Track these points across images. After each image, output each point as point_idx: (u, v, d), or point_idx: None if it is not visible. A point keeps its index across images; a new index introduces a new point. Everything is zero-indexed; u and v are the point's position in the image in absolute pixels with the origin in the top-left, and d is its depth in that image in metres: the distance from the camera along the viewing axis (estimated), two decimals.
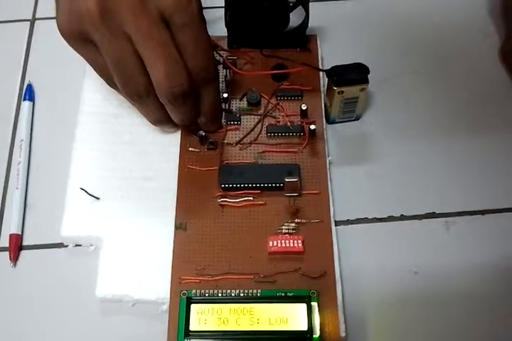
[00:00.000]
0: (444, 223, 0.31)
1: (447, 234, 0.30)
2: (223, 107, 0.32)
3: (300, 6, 0.33)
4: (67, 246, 0.30)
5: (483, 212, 0.31)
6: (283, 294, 0.27)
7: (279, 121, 0.32)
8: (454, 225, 0.31)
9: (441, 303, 0.29)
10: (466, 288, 0.29)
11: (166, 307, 0.28)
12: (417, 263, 0.29)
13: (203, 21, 0.28)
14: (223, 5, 0.33)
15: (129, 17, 0.26)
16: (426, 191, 0.32)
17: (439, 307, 0.29)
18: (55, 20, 0.28)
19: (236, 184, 0.30)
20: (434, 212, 0.31)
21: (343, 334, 0.27)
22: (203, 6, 0.28)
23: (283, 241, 0.29)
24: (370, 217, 0.31)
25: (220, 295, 0.27)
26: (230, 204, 0.30)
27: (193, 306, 0.27)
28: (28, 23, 0.38)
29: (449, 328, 0.28)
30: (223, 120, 0.32)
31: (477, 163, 0.32)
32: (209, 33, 0.29)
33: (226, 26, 0.34)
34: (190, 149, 0.32)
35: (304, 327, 0.26)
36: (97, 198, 0.31)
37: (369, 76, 0.31)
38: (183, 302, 0.27)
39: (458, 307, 0.29)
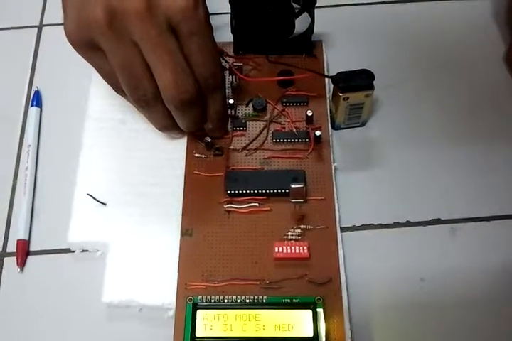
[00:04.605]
0: (449, 229, 0.31)
1: (453, 240, 0.30)
2: (229, 113, 0.33)
3: (305, 13, 0.33)
4: (73, 251, 0.31)
5: (488, 219, 0.31)
6: (289, 300, 0.27)
7: (284, 127, 0.33)
8: (459, 231, 0.31)
9: (447, 310, 0.29)
10: (471, 294, 0.29)
11: (172, 312, 0.28)
12: (423, 270, 0.29)
13: (210, 29, 0.28)
14: (229, 11, 0.33)
15: (136, 25, 0.26)
16: (431, 197, 0.32)
17: (444, 314, 0.29)
18: (62, 26, 0.28)
19: (242, 190, 0.30)
20: (439, 219, 0.31)
21: (348, 340, 0.27)
22: (209, 12, 0.28)
23: (288, 248, 0.29)
24: (375, 223, 0.31)
25: (225, 301, 0.28)
26: (235, 210, 0.30)
27: (199, 312, 0.27)
28: (36, 29, 0.39)
29: (455, 335, 0.28)
30: (229, 126, 0.33)
31: (483, 169, 0.32)
32: (215, 39, 0.29)
33: (232, 32, 0.34)
34: (196, 155, 0.32)
35: (310, 334, 0.27)
36: (104, 204, 0.31)
37: (374, 82, 0.31)
38: (189, 308, 0.27)
39: (464, 313, 0.28)
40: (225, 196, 0.30)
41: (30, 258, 0.31)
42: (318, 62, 0.35)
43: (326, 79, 0.34)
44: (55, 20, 0.38)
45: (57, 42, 0.35)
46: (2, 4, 0.40)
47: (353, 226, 0.31)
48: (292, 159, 0.32)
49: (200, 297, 0.28)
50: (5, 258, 0.31)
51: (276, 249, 0.29)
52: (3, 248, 0.31)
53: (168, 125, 0.31)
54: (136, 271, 0.29)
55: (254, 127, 0.33)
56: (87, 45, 0.27)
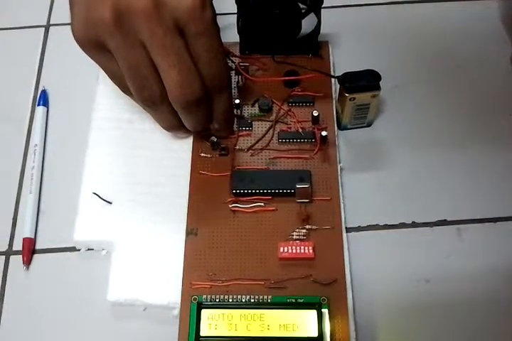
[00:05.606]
0: (455, 230, 0.31)
1: (459, 241, 0.30)
2: (235, 113, 0.33)
3: (312, 13, 0.33)
4: (79, 250, 0.31)
5: (494, 220, 0.31)
6: (293, 300, 0.27)
7: (290, 127, 0.33)
8: (465, 232, 0.31)
9: (453, 311, 0.28)
10: (477, 295, 0.29)
11: (177, 311, 0.28)
12: (428, 271, 0.29)
13: (216, 30, 0.28)
14: (236, 11, 0.33)
15: (143, 25, 0.26)
16: (437, 198, 0.31)
17: (450, 315, 0.28)
18: (69, 26, 0.28)
19: (247, 190, 0.30)
20: (445, 220, 0.31)
21: None
22: (216, 12, 0.28)
23: (294, 248, 0.29)
24: (381, 223, 0.31)
25: (230, 300, 0.28)
26: (241, 209, 0.30)
27: (203, 311, 0.27)
28: (43, 28, 0.39)
29: (460, 336, 0.28)
30: (235, 126, 0.33)
31: (489, 170, 0.32)
32: (222, 40, 0.29)
33: (238, 32, 0.34)
34: (202, 155, 0.32)
35: (314, 334, 0.27)
36: (110, 203, 0.31)
37: (381, 83, 0.31)
38: (193, 307, 0.27)
39: (469, 315, 0.28)
40: (230, 196, 0.30)
41: (36, 257, 0.31)
42: (325, 63, 0.35)
43: (332, 80, 0.34)
44: (62, 20, 0.39)
45: (64, 42, 0.35)
46: (9, 4, 0.40)
47: (359, 226, 0.31)
48: (298, 159, 0.32)
49: (204, 296, 0.28)
50: (11, 256, 0.31)
51: (281, 249, 0.29)
52: (9, 246, 0.31)
53: (174, 125, 0.31)
54: (141, 269, 0.29)
55: (260, 127, 0.33)
56: (94, 45, 0.28)
